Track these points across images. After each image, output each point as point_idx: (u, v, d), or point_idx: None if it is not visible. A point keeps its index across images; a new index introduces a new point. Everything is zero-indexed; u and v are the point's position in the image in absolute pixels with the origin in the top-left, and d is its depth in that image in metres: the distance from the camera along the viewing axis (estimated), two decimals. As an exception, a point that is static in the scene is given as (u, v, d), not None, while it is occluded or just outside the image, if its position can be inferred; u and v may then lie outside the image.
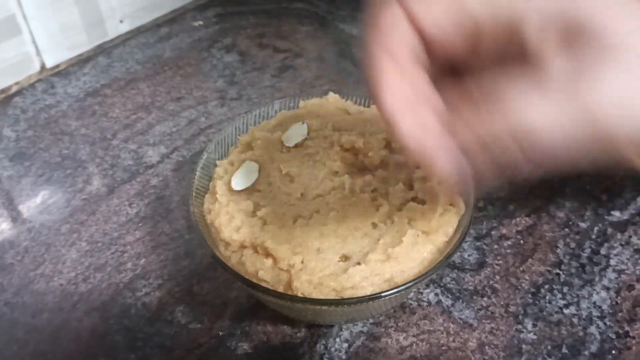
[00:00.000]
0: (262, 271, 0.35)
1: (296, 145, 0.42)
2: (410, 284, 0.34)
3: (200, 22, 0.73)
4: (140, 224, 0.49)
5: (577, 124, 0.23)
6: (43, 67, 0.64)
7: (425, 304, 0.43)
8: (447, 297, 0.43)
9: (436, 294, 0.43)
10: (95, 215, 0.50)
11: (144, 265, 0.46)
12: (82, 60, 0.67)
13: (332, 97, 0.46)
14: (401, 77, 0.25)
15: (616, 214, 0.48)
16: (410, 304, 0.43)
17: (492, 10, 0.25)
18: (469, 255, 0.46)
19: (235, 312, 0.43)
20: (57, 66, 0.65)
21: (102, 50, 0.68)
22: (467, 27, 0.25)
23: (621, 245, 0.46)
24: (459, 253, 0.46)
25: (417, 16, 0.25)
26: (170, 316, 0.43)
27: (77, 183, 0.53)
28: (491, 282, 0.44)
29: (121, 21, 0.69)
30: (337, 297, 0.35)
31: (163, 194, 0.52)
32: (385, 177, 0.40)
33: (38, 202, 0.51)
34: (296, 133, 0.43)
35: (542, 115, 0.23)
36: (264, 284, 0.35)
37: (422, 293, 0.43)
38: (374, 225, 0.38)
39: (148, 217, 0.50)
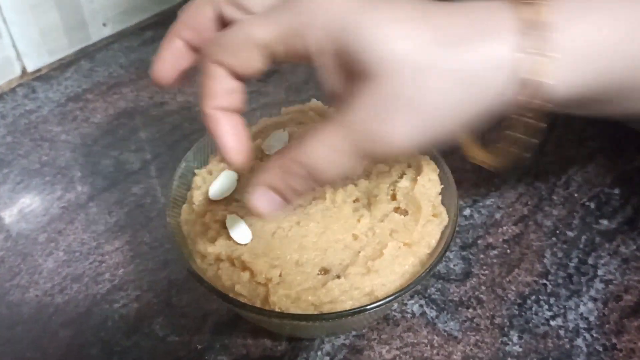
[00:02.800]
0: (239, 285, 0.34)
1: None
2: (391, 298, 0.33)
3: (185, 26, 0.71)
4: (119, 233, 0.48)
5: (350, 153, 0.27)
6: (24, 71, 0.63)
7: (409, 315, 0.42)
8: (432, 308, 0.42)
9: (421, 305, 0.42)
10: (73, 224, 0.49)
11: (122, 275, 0.45)
12: (64, 65, 0.66)
13: (315, 103, 0.45)
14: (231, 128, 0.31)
15: (604, 222, 0.47)
16: (394, 315, 0.42)
17: (286, 47, 0.28)
18: (454, 265, 0.45)
19: (215, 324, 0.42)
20: (39, 70, 0.64)
21: (85, 54, 0.67)
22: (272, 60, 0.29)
23: (609, 254, 0.45)
24: (444, 263, 0.45)
25: (231, 67, 0.29)
26: (148, 329, 0.42)
27: (56, 190, 0.52)
28: (477, 292, 0.43)
29: (104, 24, 0.68)
30: (315, 312, 0.34)
31: (143, 202, 0.51)
32: (367, 187, 0.39)
33: (15, 210, 0.50)
34: (277, 141, 0.42)
35: (322, 153, 0.28)
36: (240, 299, 0.34)
37: (406, 304, 0.42)
38: (355, 237, 0.37)
39: (128, 225, 0.49)
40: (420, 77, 0.26)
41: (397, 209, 0.38)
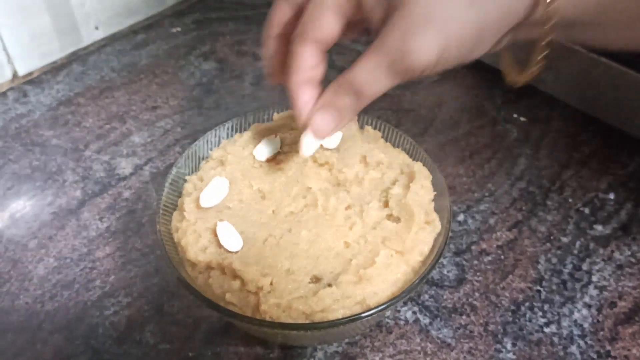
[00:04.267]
0: (230, 293, 0.34)
1: (268, 160, 0.41)
2: (383, 307, 0.33)
3: (178, 29, 0.71)
4: (110, 239, 0.48)
5: (387, 71, 0.31)
6: (15, 75, 0.63)
7: (402, 322, 0.42)
8: (425, 315, 0.42)
9: (414, 312, 0.42)
10: (64, 230, 0.48)
11: (113, 282, 0.45)
12: (55, 68, 0.65)
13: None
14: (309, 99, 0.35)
15: (598, 228, 0.47)
16: (387, 322, 0.41)
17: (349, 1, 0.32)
18: (448, 271, 0.45)
19: (207, 331, 0.41)
20: (30, 74, 0.64)
21: (77, 57, 0.67)
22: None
23: (603, 260, 0.45)
24: (437, 269, 0.45)
25: (315, 39, 0.34)
26: (139, 336, 0.41)
27: (46, 196, 0.51)
28: (470, 299, 0.43)
29: (96, 28, 0.67)
30: (306, 321, 0.33)
31: (135, 207, 0.50)
32: (359, 194, 0.39)
33: (5, 216, 0.50)
34: (268, 147, 0.41)
35: (364, 74, 0.32)
36: (231, 307, 0.34)
37: (399, 311, 0.42)
38: (347, 245, 0.36)
39: (119, 231, 0.48)
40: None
41: (389, 216, 0.38)
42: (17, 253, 0.47)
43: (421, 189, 0.38)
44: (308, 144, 0.35)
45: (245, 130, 0.44)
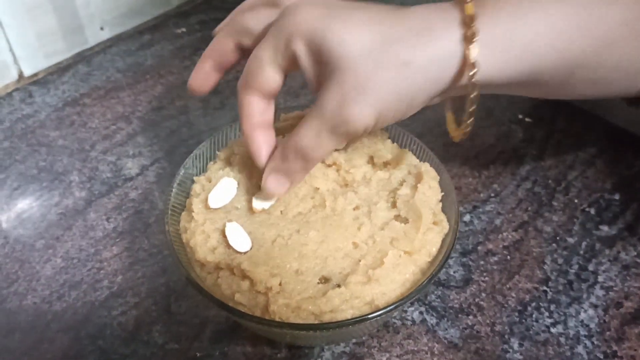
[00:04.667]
0: (239, 294, 0.34)
1: (276, 161, 0.41)
2: (391, 307, 0.33)
3: (183, 29, 0.71)
4: (117, 239, 0.48)
5: (329, 135, 0.34)
6: (21, 75, 0.63)
7: (409, 322, 0.42)
8: (432, 315, 0.42)
9: (421, 313, 0.42)
10: (71, 230, 0.49)
11: (120, 282, 0.45)
12: (61, 69, 0.65)
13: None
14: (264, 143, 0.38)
15: (604, 228, 0.47)
16: (394, 322, 0.42)
17: (285, 57, 0.35)
18: (454, 272, 0.45)
19: (214, 331, 0.41)
20: (36, 75, 0.64)
21: (82, 58, 0.67)
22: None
23: (609, 261, 0.45)
24: (444, 270, 0.45)
25: (258, 90, 0.37)
26: (147, 336, 0.41)
27: (53, 196, 0.52)
28: (477, 299, 0.43)
29: (102, 28, 0.67)
30: (315, 322, 0.33)
31: (142, 207, 0.50)
32: (367, 195, 0.39)
33: (12, 216, 0.50)
34: (277, 148, 0.41)
35: (308, 140, 0.34)
36: (240, 308, 0.34)
37: (406, 311, 0.42)
38: (355, 245, 0.37)
39: (126, 232, 0.48)
40: (371, 69, 0.32)
41: (397, 217, 0.38)
42: (25, 253, 0.47)
43: (429, 190, 0.38)
44: (258, 203, 0.39)
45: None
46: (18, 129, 0.58)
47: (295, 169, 0.36)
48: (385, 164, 0.41)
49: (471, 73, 0.33)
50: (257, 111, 0.37)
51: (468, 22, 0.32)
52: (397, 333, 0.41)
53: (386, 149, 0.41)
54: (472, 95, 0.34)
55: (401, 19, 0.33)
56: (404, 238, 0.36)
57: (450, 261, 0.45)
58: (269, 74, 0.36)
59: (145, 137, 0.57)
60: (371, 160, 0.41)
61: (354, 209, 0.38)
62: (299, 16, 0.34)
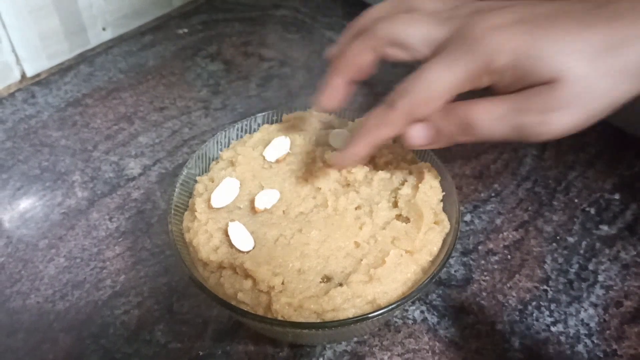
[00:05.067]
0: (241, 293, 0.34)
1: (278, 161, 0.41)
2: (393, 306, 0.33)
3: (185, 30, 0.71)
4: (120, 239, 0.48)
5: (510, 127, 0.31)
6: (23, 76, 0.63)
7: (410, 321, 0.42)
8: (433, 314, 0.42)
9: (422, 312, 0.43)
10: (74, 230, 0.49)
11: (123, 282, 0.45)
12: (63, 69, 0.65)
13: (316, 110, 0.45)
14: None
15: (604, 228, 0.48)
16: (396, 321, 0.42)
17: (472, 84, 0.32)
18: (455, 271, 0.45)
19: (216, 331, 0.42)
20: (38, 75, 0.64)
21: (84, 58, 0.67)
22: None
23: (609, 260, 0.45)
24: (445, 269, 0.45)
25: (419, 116, 0.33)
26: (149, 335, 0.42)
27: (56, 196, 0.52)
28: (478, 298, 0.43)
29: (104, 29, 0.68)
30: (317, 320, 0.34)
31: (144, 207, 0.50)
32: (369, 194, 0.39)
33: (16, 216, 0.50)
34: (278, 148, 0.42)
35: (487, 116, 0.31)
36: (243, 306, 0.34)
37: (407, 310, 0.42)
38: (357, 245, 0.37)
39: (128, 231, 0.49)
40: (590, 82, 0.30)
41: (398, 217, 0.38)
42: (28, 253, 0.47)
43: (430, 189, 0.38)
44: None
45: (254, 131, 0.45)
46: (21, 129, 0.59)
47: (449, 131, 0.32)
48: (387, 164, 0.41)
49: None
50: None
51: None
52: (398, 332, 0.41)
53: (387, 148, 0.42)
54: None
55: (611, 20, 0.30)
56: (405, 237, 0.37)
57: (451, 260, 0.46)
58: (441, 102, 0.32)
59: (148, 137, 0.57)
60: (372, 160, 0.41)
61: (356, 209, 0.38)
62: (499, 36, 0.31)
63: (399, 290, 0.35)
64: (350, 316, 0.34)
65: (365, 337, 0.41)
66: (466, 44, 0.31)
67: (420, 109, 0.32)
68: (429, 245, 0.37)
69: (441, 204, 0.39)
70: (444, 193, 0.39)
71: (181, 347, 0.41)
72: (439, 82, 0.32)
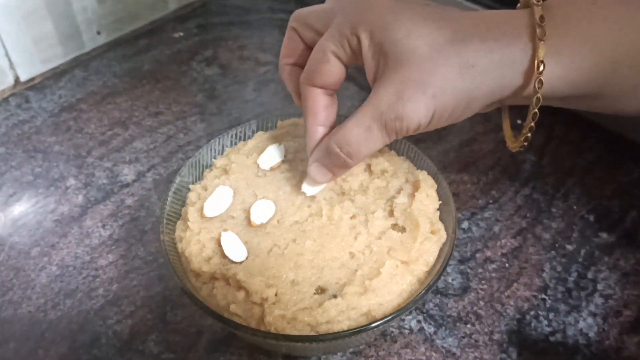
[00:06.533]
0: (234, 305, 0.34)
1: (272, 169, 0.41)
2: (388, 318, 0.33)
3: (181, 34, 0.71)
4: (113, 247, 0.47)
5: (380, 131, 0.33)
6: (17, 80, 0.63)
7: (407, 331, 0.41)
8: (430, 324, 0.42)
9: (418, 321, 0.42)
10: (67, 238, 0.48)
11: (116, 290, 0.44)
12: (57, 74, 0.65)
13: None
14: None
15: (604, 235, 0.47)
16: (392, 331, 0.41)
17: (349, 48, 0.34)
18: (452, 280, 0.44)
19: (210, 341, 0.41)
20: (32, 80, 0.64)
21: (79, 63, 0.66)
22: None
23: (608, 268, 0.45)
24: (442, 277, 0.44)
25: (320, 84, 0.36)
26: (142, 346, 0.41)
27: (49, 203, 0.51)
28: (475, 308, 0.43)
29: (98, 33, 0.67)
30: (311, 333, 0.33)
31: (138, 215, 0.50)
32: (364, 203, 0.39)
33: (8, 223, 0.50)
34: (273, 155, 0.41)
35: (358, 133, 0.34)
36: (235, 319, 0.34)
37: (404, 320, 0.42)
38: (352, 255, 0.36)
39: (122, 239, 0.48)
40: (434, 66, 0.31)
41: (394, 226, 0.38)
42: (20, 261, 0.47)
43: (426, 198, 0.38)
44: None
45: (248, 138, 0.44)
46: (14, 134, 0.58)
47: (337, 163, 0.36)
48: (383, 172, 0.40)
49: (537, 73, 0.31)
50: (322, 106, 0.37)
51: (538, 23, 0.31)
52: (394, 342, 0.41)
53: (383, 156, 0.41)
54: (535, 106, 0.33)
55: (470, 20, 0.33)
56: (401, 248, 0.36)
57: (448, 269, 0.45)
58: (330, 67, 0.35)
59: (142, 142, 0.57)
60: (368, 168, 0.40)
61: (351, 218, 0.38)
62: (366, 4, 0.34)
63: (394, 302, 0.34)
64: (345, 328, 0.33)
65: (361, 347, 0.40)
66: (342, 12, 0.34)
67: (318, 71, 0.35)
68: (425, 255, 0.36)
69: (437, 213, 0.39)
70: (440, 202, 0.39)
71: (174, 357, 0.40)
72: (324, 44, 0.35)
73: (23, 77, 0.63)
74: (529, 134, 0.35)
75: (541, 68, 0.31)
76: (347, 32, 0.34)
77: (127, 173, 0.54)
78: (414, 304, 0.34)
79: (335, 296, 0.34)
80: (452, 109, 0.33)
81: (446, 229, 0.38)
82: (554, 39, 0.31)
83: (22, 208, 0.51)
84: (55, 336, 0.42)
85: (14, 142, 0.57)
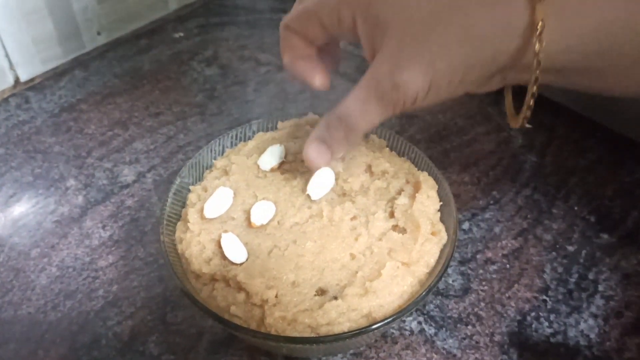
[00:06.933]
0: (234, 306, 0.34)
1: (272, 170, 0.41)
2: (389, 320, 0.33)
3: (181, 34, 0.71)
4: (113, 248, 0.47)
5: (377, 103, 0.33)
6: (17, 81, 0.62)
7: (407, 332, 0.41)
8: (431, 325, 0.42)
9: (419, 322, 0.42)
10: (67, 239, 0.48)
11: (116, 292, 0.44)
12: (57, 74, 0.65)
13: (311, 118, 0.44)
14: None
15: (605, 236, 0.47)
16: (392, 333, 0.41)
17: (336, 19, 0.34)
18: (453, 281, 0.44)
19: (210, 342, 0.41)
20: (32, 80, 0.64)
21: (79, 63, 0.66)
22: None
23: (610, 269, 0.45)
24: (443, 279, 0.44)
25: (298, 32, 0.37)
26: (142, 347, 0.41)
27: (49, 204, 0.51)
28: (476, 309, 0.43)
29: (98, 33, 0.67)
30: (312, 334, 0.33)
31: (138, 215, 0.50)
32: (365, 204, 0.39)
33: (8, 224, 0.49)
34: (273, 156, 0.41)
35: (355, 106, 0.34)
36: (236, 320, 0.34)
37: (404, 321, 0.42)
38: (353, 257, 0.36)
39: (122, 240, 0.48)
40: (428, 32, 0.31)
41: (395, 227, 0.38)
42: (20, 262, 0.47)
43: (427, 199, 0.38)
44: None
45: (249, 139, 0.44)
46: (14, 135, 0.58)
47: (337, 137, 0.35)
48: (383, 173, 0.40)
49: (538, 34, 0.30)
50: (300, 46, 0.36)
51: None
52: (395, 343, 0.41)
53: (384, 157, 0.41)
54: (535, 73, 0.31)
55: None
56: (401, 249, 0.36)
57: (449, 270, 0.45)
58: (313, 27, 0.35)
59: (142, 143, 0.57)
60: (369, 169, 0.40)
61: (352, 219, 0.38)
62: None
63: (395, 304, 0.34)
64: (345, 330, 0.33)
65: (362, 349, 0.40)
66: None
67: (294, 20, 0.36)
68: (426, 256, 0.36)
69: (438, 214, 0.38)
70: (441, 203, 0.39)
71: (174, 358, 0.40)
72: (308, 6, 0.35)
73: (23, 78, 0.63)
74: (532, 103, 0.34)
75: (539, 25, 0.30)
76: (340, 8, 0.33)
77: (127, 174, 0.54)
78: (415, 305, 0.33)
79: (335, 298, 0.34)
80: (449, 78, 0.32)
81: (447, 230, 0.38)
82: (553, 1, 0.30)
83: (22, 209, 0.51)
84: (55, 337, 0.42)
85: (13, 142, 0.57)
